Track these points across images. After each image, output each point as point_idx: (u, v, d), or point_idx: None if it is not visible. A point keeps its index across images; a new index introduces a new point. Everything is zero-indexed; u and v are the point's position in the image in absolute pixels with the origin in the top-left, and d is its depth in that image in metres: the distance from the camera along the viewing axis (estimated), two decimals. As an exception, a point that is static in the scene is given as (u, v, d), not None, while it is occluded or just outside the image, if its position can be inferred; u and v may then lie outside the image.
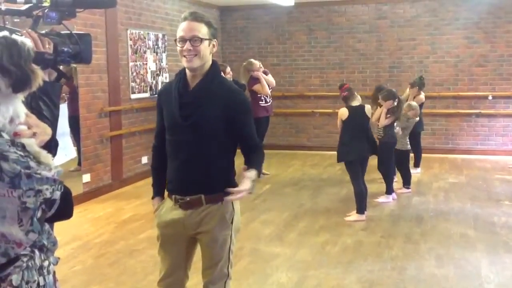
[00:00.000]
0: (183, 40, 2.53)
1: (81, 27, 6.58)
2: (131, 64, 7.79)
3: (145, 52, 8.13)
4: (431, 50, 9.85)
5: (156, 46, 8.41)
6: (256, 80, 8.03)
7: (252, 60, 8.27)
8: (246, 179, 2.49)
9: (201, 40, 2.52)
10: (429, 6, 9.81)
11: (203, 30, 2.54)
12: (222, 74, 7.32)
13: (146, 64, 8.18)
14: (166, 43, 8.56)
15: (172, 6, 8.90)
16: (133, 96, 7.83)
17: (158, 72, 8.47)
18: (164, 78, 8.53)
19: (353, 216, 5.85)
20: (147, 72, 8.20)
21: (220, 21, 10.80)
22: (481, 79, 9.66)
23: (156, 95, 2.91)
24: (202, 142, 2.58)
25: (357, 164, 5.82)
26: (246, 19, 10.78)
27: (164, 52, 8.60)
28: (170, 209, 2.70)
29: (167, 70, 8.62)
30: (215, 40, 2.62)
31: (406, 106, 6.94)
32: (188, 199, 2.62)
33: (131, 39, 7.78)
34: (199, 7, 9.75)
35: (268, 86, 8.09)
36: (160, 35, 8.50)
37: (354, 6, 10.19)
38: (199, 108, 2.56)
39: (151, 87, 8.20)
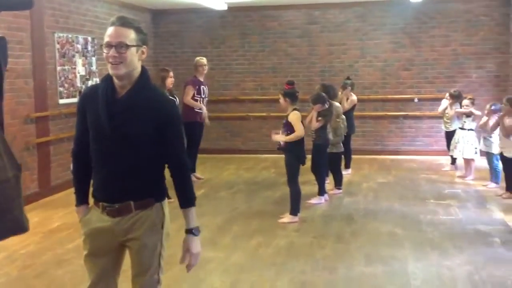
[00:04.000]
0: (109, 46, 2.44)
1: (4, 30, 6.33)
2: (59, 68, 7.56)
3: (73, 56, 7.91)
4: (360, 55, 10.14)
5: (85, 50, 8.20)
6: (193, 82, 7.95)
7: (201, 58, 8.20)
8: (191, 242, 2.72)
9: (128, 46, 2.44)
10: (358, 12, 10.10)
11: (131, 36, 2.46)
12: (166, 79, 7.09)
13: (75, 68, 7.96)
14: (95, 47, 8.36)
15: (102, 9, 8.71)
16: (61, 101, 7.60)
17: (87, 77, 8.26)
18: (94, 82, 8.33)
19: (287, 217, 5.93)
20: (76, 77, 7.98)
21: (153, 25, 10.68)
22: (407, 83, 10.04)
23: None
24: (131, 153, 2.51)
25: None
26: (179, 23, 10.71)
27: (94, 56, 8.40)
28: (97, 217, 2.62)
29: (97, 74, 8.42)
30: (144, 46, 2.53)
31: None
32: (116, 206, 2.56)
33: (58, 43, 7.55)
34: (130, 10, 9.59)
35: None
36: (90, 39, 8.29)
37: (287, 11, 10.34)
38: (129, 118, 2.49)
39: (80, 92, 7.99)
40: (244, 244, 5.23)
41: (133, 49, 2.47)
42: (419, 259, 4.75)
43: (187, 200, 2.65)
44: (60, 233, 5.63)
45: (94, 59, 8.40)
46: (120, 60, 2.44)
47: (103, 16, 8.62)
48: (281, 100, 5.91)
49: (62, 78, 7.66)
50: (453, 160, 8.58)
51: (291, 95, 5.90)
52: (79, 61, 8.05)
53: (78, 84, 8.01)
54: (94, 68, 8.41)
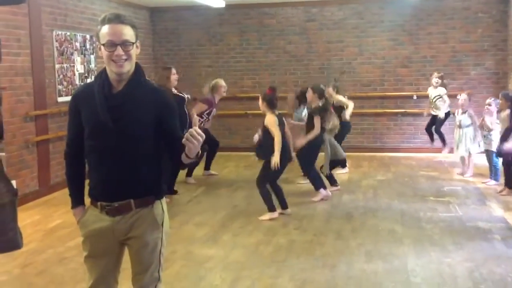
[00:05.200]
0: (113, 44, 2.43)
1: (2, 28, 6.35)
2: (57, 66, 7.55)
3: (72, 54, 7.90)
4: (358, 52, 10.14)
5: (83, 48, 8.19)
6: (209, 103, 7.79)
7: (221, 80, 8.00)
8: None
9: (132, 44, 2.47)
10: (356, 9, 10.09)
11: (131, 33, 2.47)
12: (170, 77, 6.87)
13: (74, 66, 7.95)
14: (94, 45, 8.34)
15: (100, 7, 8.69)
16: (60, 99, 7.58)
17: (86, 75, 8.24)
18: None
19: (267, 215, 5.96)
20: (74, 75, 7.97)
21: (151, 22, 10.65)
22: (405, 80, 10.04)
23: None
24: (131, 146, 2.51)
25: None
26: (176, 21, 10.69)
27: (93, 54, 8.38)
28: (96, 217, 2.60)
29: (95, 72, 8.40)
30: (138, 41, 2.56)
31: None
32: (116, 205, 2.55)
33: (57, 41, 7.53)
34: (128, 7, 9.58)
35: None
36: (88, 37, 8.27)
37: (284, 9, 10.33)
38: (129, 112, 2.50)
39: (79, 90, 7.96)
40: (244, 241, 5.24)
41: (134, 46, 2.50)
42: (419, 256, 4.76)
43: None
44: (60, 231, 5.63)
45: (92, 57, 8.38)
46: (126, 58, 2.46)
47: (101, 14, 8.51)
48: (260, 101, 6.07)
49: (61, 76, 7.65)
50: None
51: (269, 101, 5.99)
52: (77, 59, 8.04)
53: (77, 82, 8.00)
54: (92, 66, 8.39)
